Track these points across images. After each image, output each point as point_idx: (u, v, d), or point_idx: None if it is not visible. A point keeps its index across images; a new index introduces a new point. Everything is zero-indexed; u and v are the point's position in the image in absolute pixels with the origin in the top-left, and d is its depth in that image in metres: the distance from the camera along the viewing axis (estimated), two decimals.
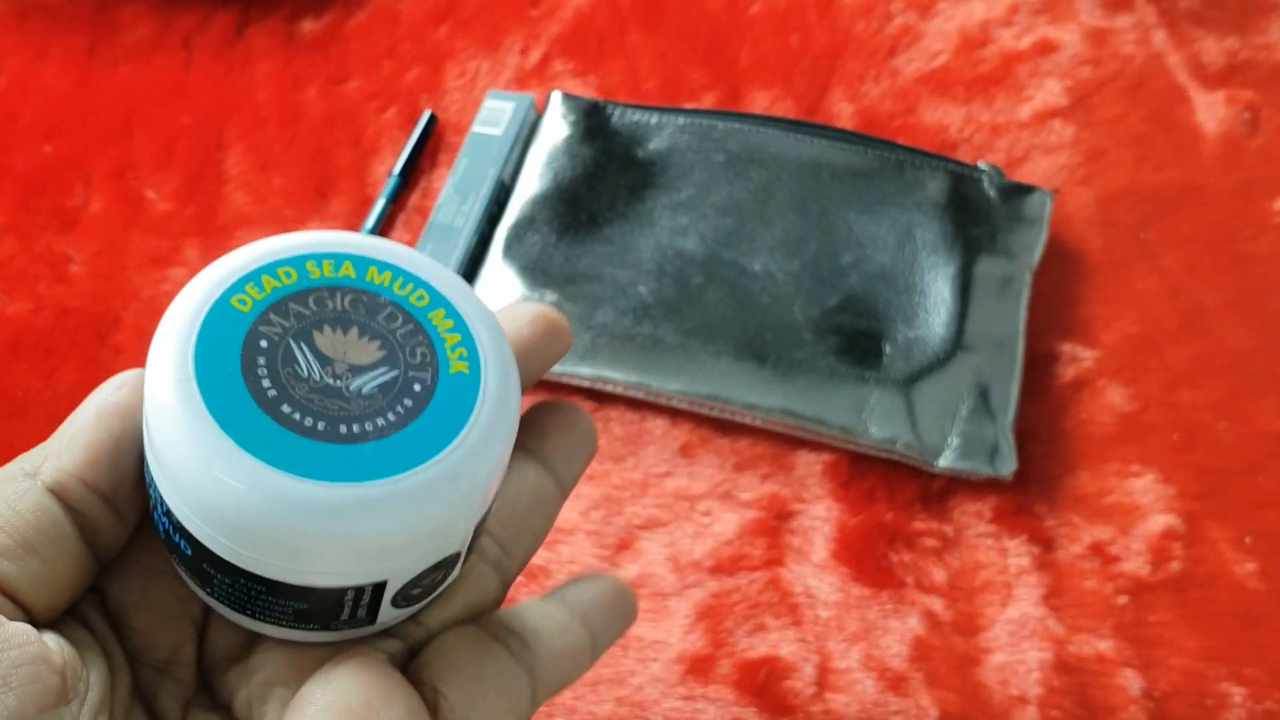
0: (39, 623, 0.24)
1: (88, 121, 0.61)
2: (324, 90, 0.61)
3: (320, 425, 0.22)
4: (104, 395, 0.26)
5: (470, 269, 0.54)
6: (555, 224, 0.54)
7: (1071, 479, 0.49)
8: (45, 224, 0.57)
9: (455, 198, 0.56)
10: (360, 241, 0.26)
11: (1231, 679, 0.44)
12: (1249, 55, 0.60)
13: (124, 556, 0.26)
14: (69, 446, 0.25)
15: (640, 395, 0.50)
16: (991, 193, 0.54)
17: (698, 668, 0.45)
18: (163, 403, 0.23)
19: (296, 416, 0.22)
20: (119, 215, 0.58)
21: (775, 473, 0.49)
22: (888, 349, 0.50)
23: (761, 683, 0.44)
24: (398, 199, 0.58)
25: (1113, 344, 0.52)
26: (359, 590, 0.24)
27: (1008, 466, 0.48)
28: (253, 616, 0.25)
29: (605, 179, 0.55)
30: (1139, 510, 0.48)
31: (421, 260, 0.26)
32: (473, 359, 0.24)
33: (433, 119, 0.59)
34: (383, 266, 0.25)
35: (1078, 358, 0.52)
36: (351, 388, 0.23)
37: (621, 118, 0.57)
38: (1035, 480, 0.49)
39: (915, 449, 0.48)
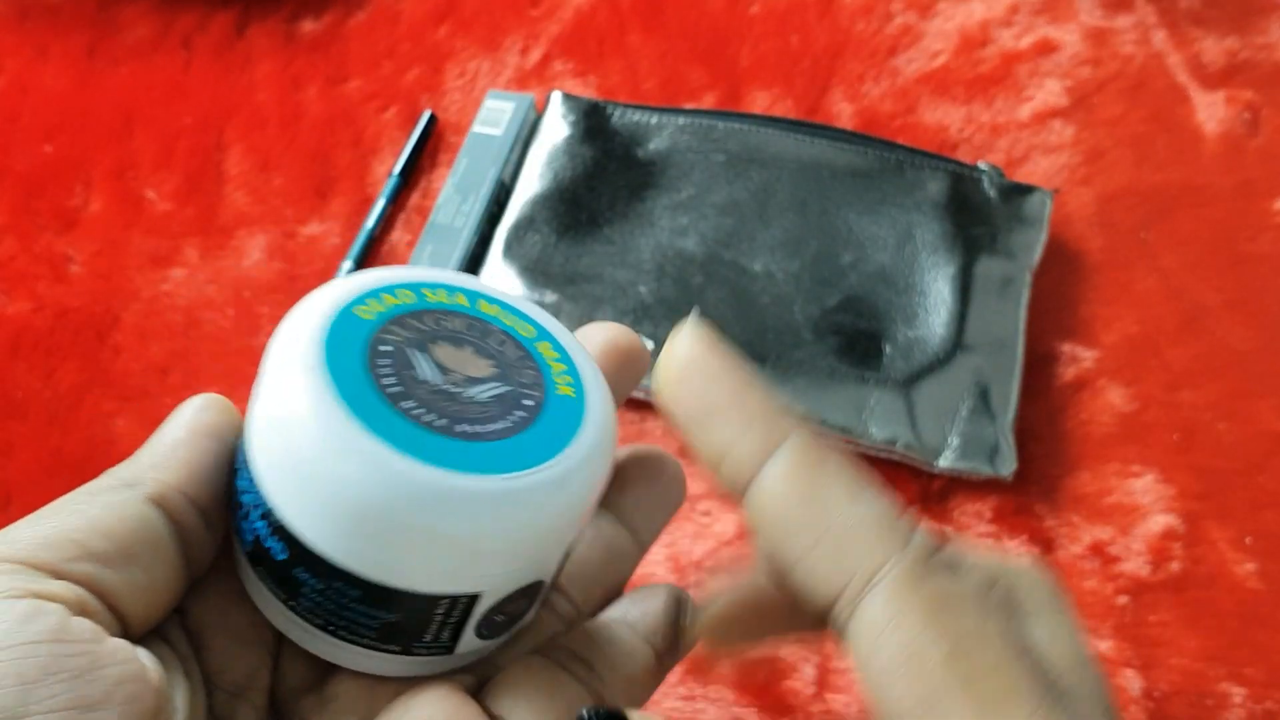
0: (133, 635, 0.23)
1: (88, 121, 0.61)
2: (324, 90, 0.61)
3: (441, 421, 0.23)
4: (193, 414, 0.26)
5: (470, 269, 0.54)
6: (555, 224, 0.54)
7: (1071, 479, 0.49)
8: (45, 224, 0.57)
9: (455, 198, 0.56)
10: (471, 279, 0.27)
11: (1231, 679, 0.44)
12: (1249, 55, 0.60)
13: (204, 578, 0.26)
14: (168, 460, 0.25)
15: (640, 395, 0.50)
16: (991, 193, 0.54)
17: (698, 668, 0.45)
18: (292, 388, 0.23)
19: (418, 411, 0.23)
20: (119, 215, 0.58)
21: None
22: (888, 349, 0.50)
23: (761, 683, 0.44)
24: (398, 199, 0.58)
25: (1113, 344, 0.52)
26: (452, 602, 0.23)
27: (1008, 467, 0.48)
28: (333, 634, 0.24)
29: (605, 179, 0.55)
30: (1139, 510, 0.48)
31: (525, 302, 0.27)
32: (576, 385, 0.25)
33: (433, 119, 0.59)
34: (492, 300, 0.27)
35: (1078, 358, 0.52)
36: (467, 394, 0.24)
37: (621, 118, 0.57)
38: (1035, 480, 0.49)
39: (915, 449, 0.48)
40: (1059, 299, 0.54)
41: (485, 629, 0.25)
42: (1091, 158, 0.58)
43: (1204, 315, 0.53)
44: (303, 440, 0.22)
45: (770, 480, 0.22)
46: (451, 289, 0.26)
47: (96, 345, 0.54)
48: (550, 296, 0.52)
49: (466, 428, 0.23)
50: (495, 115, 0.58)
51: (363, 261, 0.56)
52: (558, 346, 0.26)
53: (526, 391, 0.25)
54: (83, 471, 0.50)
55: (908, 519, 0.22)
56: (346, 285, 0.26)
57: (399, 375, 0.23)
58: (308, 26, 0.64)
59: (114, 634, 0.22)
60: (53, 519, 0.23)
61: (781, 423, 0.23)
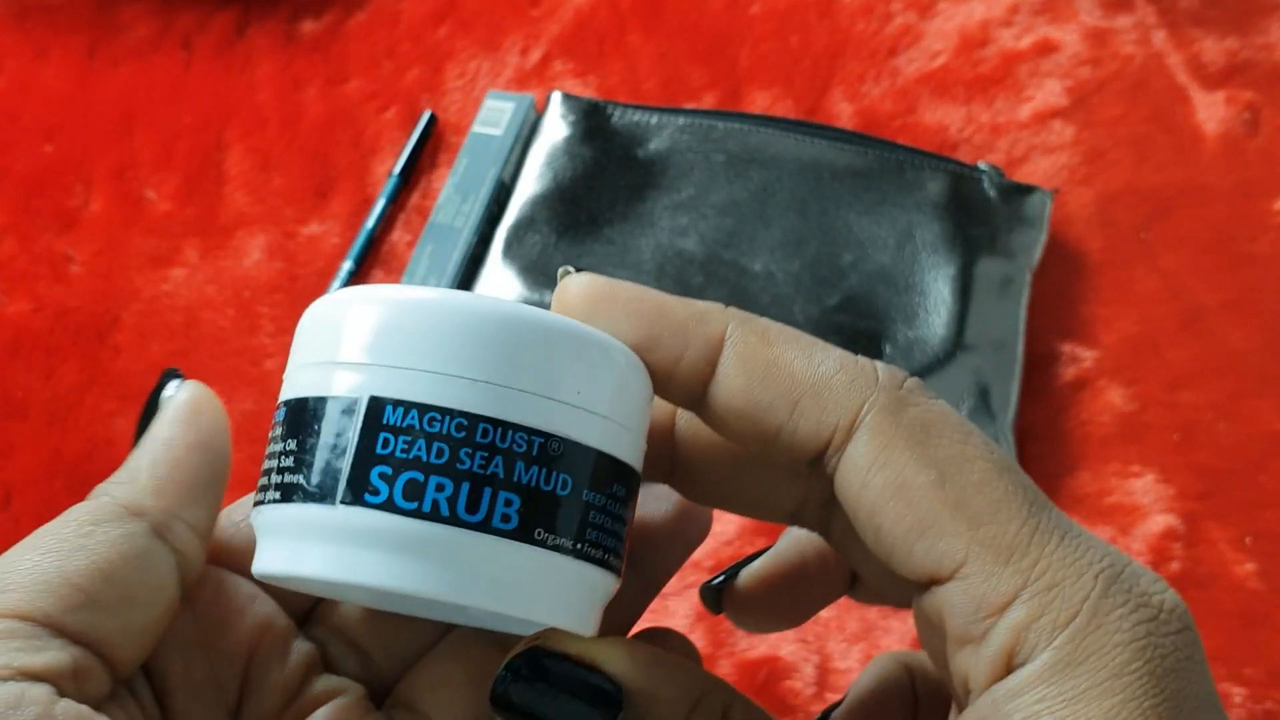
0: (120, 675, 0.22)
1: (88, 122, 0.61)
2: (324, 90, 0.61)
3: None
4: (189, 419, 0.25)
5: (470, 269, 0.54)
6: (555, 224, 0.54)
7: (1071, 479, 0.49)
8: (45, 224, 0.57)
9: (455, 198, 0.56)
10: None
11: (1231, 679, 0.44)
12: (1249, 55, 0.60)
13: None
14: (169, 482, 0.24)
15: None
16: (991, 193, 0.54)
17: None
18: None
19: None
20: (119, 215, 0.58)
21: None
22: (888, 349, 0.50)
23: (761, 683, 0.44)
24: (398, 199, 0.58)
25: (1113, 344, 0.52)
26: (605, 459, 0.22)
27: None
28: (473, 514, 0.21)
29: (605, 179, 0.55)
30: (1139, 510, 0.48)
31: None
32: None
33: (433, 119, 0.59)
34: None
35: (1078, 358, 0.52)
36: None
37: (621, 118, 0.57)
38: (1035, 480, 0.48)
39: None
40: (1059, 299, 0.54)
41: (594, 526, 0.22)
42: (1091, 158, 0.58)
43: (1204, 315, 0.53)
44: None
45: (729, 375, 0.23)
46: None
47: (96, 345, 0.54)
48: (550, 297, 0.52)
49: None
50: (495, 115, 0.58)
51: (363, 261, 0.56)
52: None
53: None
54: (83, 471, 0.50)
55: (866, 361, 0.23)
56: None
57: None
58: (308, 27, 0.64)
59: (102, 691, 0.21)
60: (54, 555, 0.22)
61: (713, 319, 0.23)
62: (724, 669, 0.45)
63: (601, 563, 0.22)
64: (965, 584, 0.21)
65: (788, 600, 0.28)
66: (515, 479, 0.21)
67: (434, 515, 0.20)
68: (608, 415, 0.22)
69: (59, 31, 0.64)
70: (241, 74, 0.62)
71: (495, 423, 0.21)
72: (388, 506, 0.20)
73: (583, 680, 0.22)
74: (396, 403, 0.21)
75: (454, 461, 0.21)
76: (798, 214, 0.54)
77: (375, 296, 0.22)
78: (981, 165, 0.55)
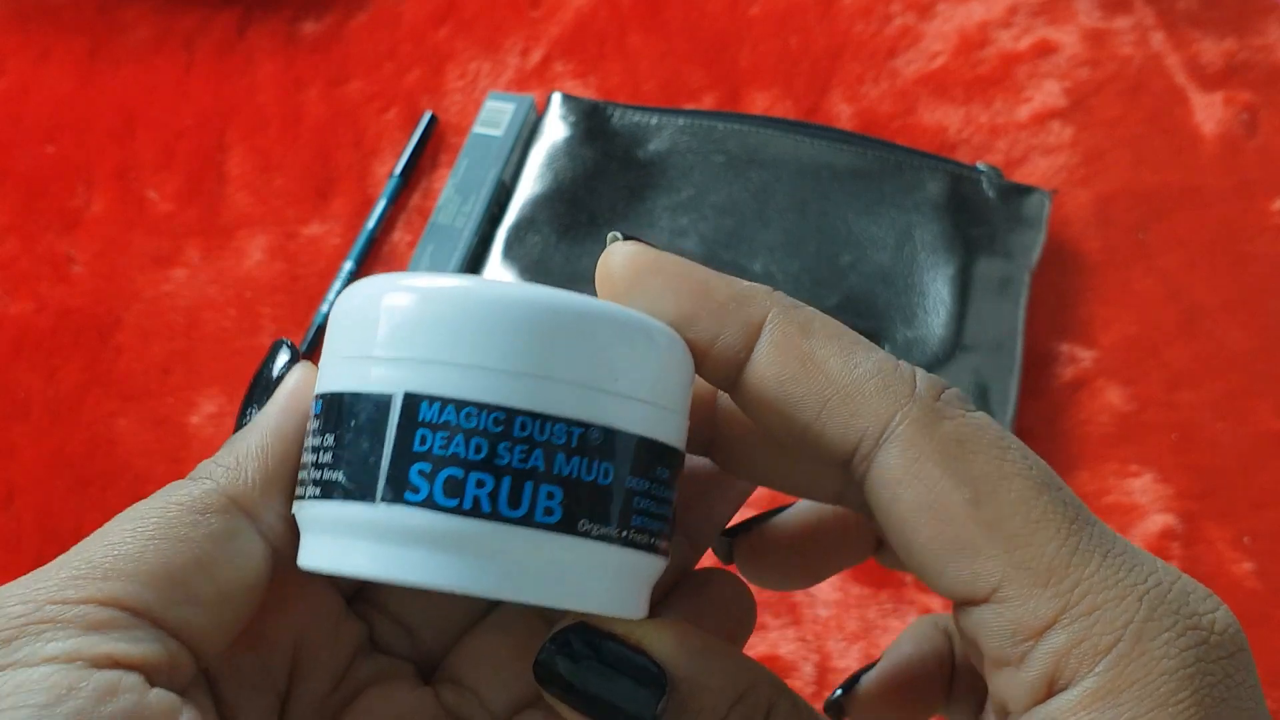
0: (203, 666, 0.22)
1: (89, 122, 0.61)
2: (325, 91, 0.62)
3: None
4: (295, 419, 0.24)
5: (471, 269, 0.54)
6: (555, 225, 0.54)
7: (1070, 479, 0.49)
8: (47, 224, 0.58)
9: (456, 198, 0.56)
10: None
11: None
12: (1247, 56, 0.60)
13: None
14: (278, 477, 0.23)
15: None
16: (990, 193, 0.54)
17: None
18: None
19: None
20: (121, 216, 0.58)
21: None
22: (887, 349, 0.50)
23: None
24: (398, 199, 0.58)
25: (1111, 344, 0.52)
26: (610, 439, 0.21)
27: None
28: (515, 509, 0.21)
29: (605, 180, 0.55)
30: (1137, 510, 0.48)
31: None
32: None
33: (433, 120, 0.60)
34: None
35: (1076, 358, 0.52)
36: None
37: (622, 119, 0.57)
38: None
39: None
40: (1058, 299, 0.54)
41: (639, 511, 0.22)
42: (1090, 158, 0.58)
43: (1202, 315, 0.53)
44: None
45: (762, 364, 0.22)
46: None
47: (98, 345, 0.54)
48: None
49: None
50: (496, 116, 0.58)
51: (363, 261, 0.56)
52: None
53: None
54: (84, 471, 0.50)
55: (906, 367, 0.22)
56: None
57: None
58: (309, 28, 0.64)
59: (188, 680, 0.21)
60: (158, 543, 0.21)
61: (755, 302, 0.22)
62: None
63: (648, 547, 0.22)
64: (1002, 608, 0.20)
65: (805, 559, 0.27)
66: (556, 471, 0.21)
67: (475, 511, 0.20)
68: (648, 399, 0.22)
69: (61, 33, 0.64)
70: (243, 75, 0.62)
71: (534, 415, 0.20)
72: (428, 504, 0.20)
73: (629, 660, 0.22)
74: (433, 399, 0.21)
75: (493, 456, 0.20)
76: (797, 214, 0.54)
77: (407, 285, 0.21)
78: (980, 166, 0.55)
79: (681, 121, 0.57)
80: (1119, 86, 0.60)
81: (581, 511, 0.21)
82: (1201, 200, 0.56)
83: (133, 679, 0.20)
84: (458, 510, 0.20)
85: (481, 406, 0.20)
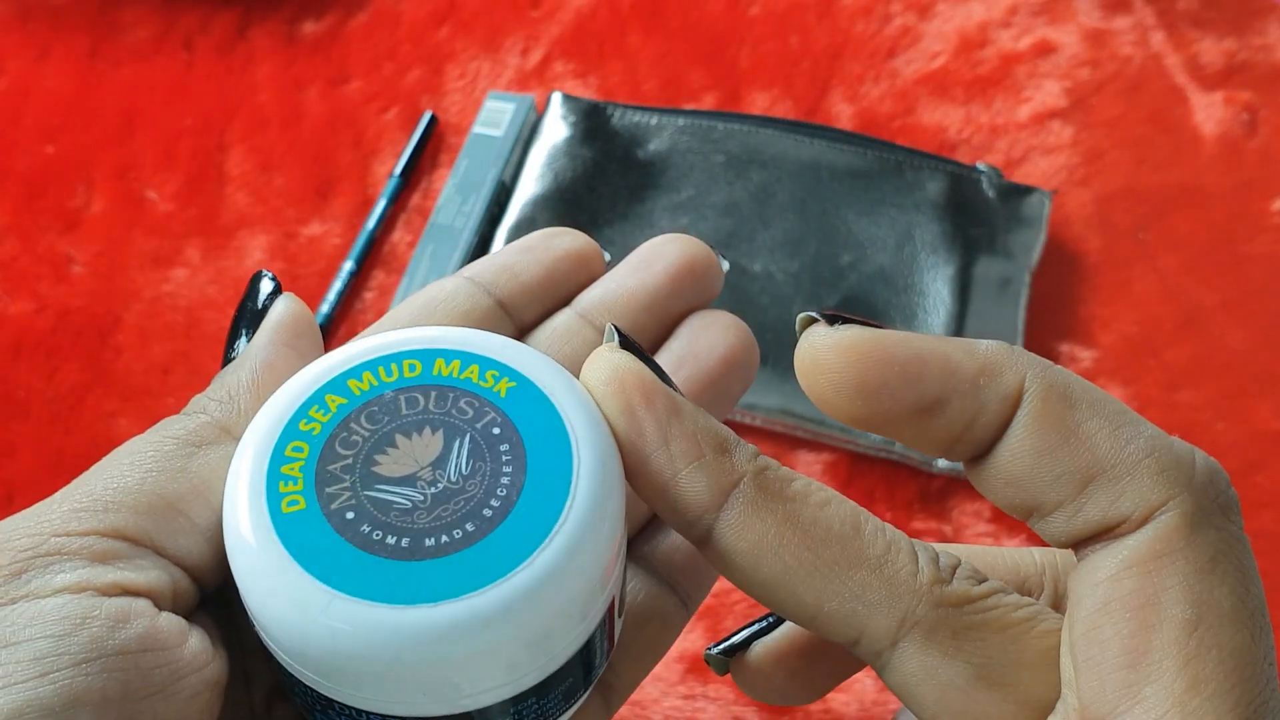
0: (205, 592, 0.22)
1: (89, 122, 0.61)
2: (325, 91, 0.62)
3: (401, 542, 0.21)
4: (282, 350, 0.24)
5: None
6: (556, 225, 0.54)
7: None
8: (47, 224, 0.58)
9: (456, 198, 0.56)
10: (431, 333, 0.24)
11: None
12: (1247, 56, 0.61)
13: None
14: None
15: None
16: (990, 193, 0.54)
17: (698, 667, 0.45)
18: (243, 545, 0.21)
19: (377, 536, 0.21)
20: (120, 216, 0.58)
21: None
22: None
23: None
24: (398, 199, 0.58)
25: (1111, 344, 0.53)
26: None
27: None
28: None
29: (605, 180, 0.55)
30: None
31: (493, 339, 0.24)
32: (563, 441, 0.22)
33: (433, 120, 0.60)
34: (453, 355, 0.23)
35: (1076, 358, 0.52)
36: (432, 492, 0.21)
37: (622, 119, 0.57)
38: None
39: (914, 449, 0.48)
40: (1057, 299, 0.54)
41: None
42: (1090, 158, 0.58)
43: (1202, 316, 0.53)
44: (250, 581, 0.21)
45: (1019, 439, 0.20)
46: (403, 356, 0.23)
47: (98, 345, 0.54)
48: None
49: (429, 540, 0.21)
50: (496, 116, 0.58)
51: (363, 262, 0.56)
52: (538, 395, 0.23)
53: (503, 470, 0.22)
54: (84, 471, 0.50)
55: (1183, 446, 0.20)
56: (292, 388, 0.23)
57: (354, 493, 0.21)
58: (309, 28, 0.64)
59: (192, 606, 0.22)
60: (156, 475, 0.22)
61: (1008, 369, 0.20)
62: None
63: None
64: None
65: (807, 676, 0.25)
66: None
67: None
68: (510, 680, 0.21)
69: (60, 32, 0.64)
70: (243, 75, 0.62)
71: (349, 706, 0.21)
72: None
73: None
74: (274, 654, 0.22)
75: (326, 712, 0.22)
76: (797, 214, 0.54)
77: (242, 561, 0.21)
78: (980, 166, 0.55)
79: (681, 121, 0.57)
80: (1119, 86, 0.60)
81: None
82: (1201, 200, 0.56)
83: (142, 604, 0.20)
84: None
85: (302, 682, 0.21)
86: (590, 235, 0.54)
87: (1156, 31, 0.62)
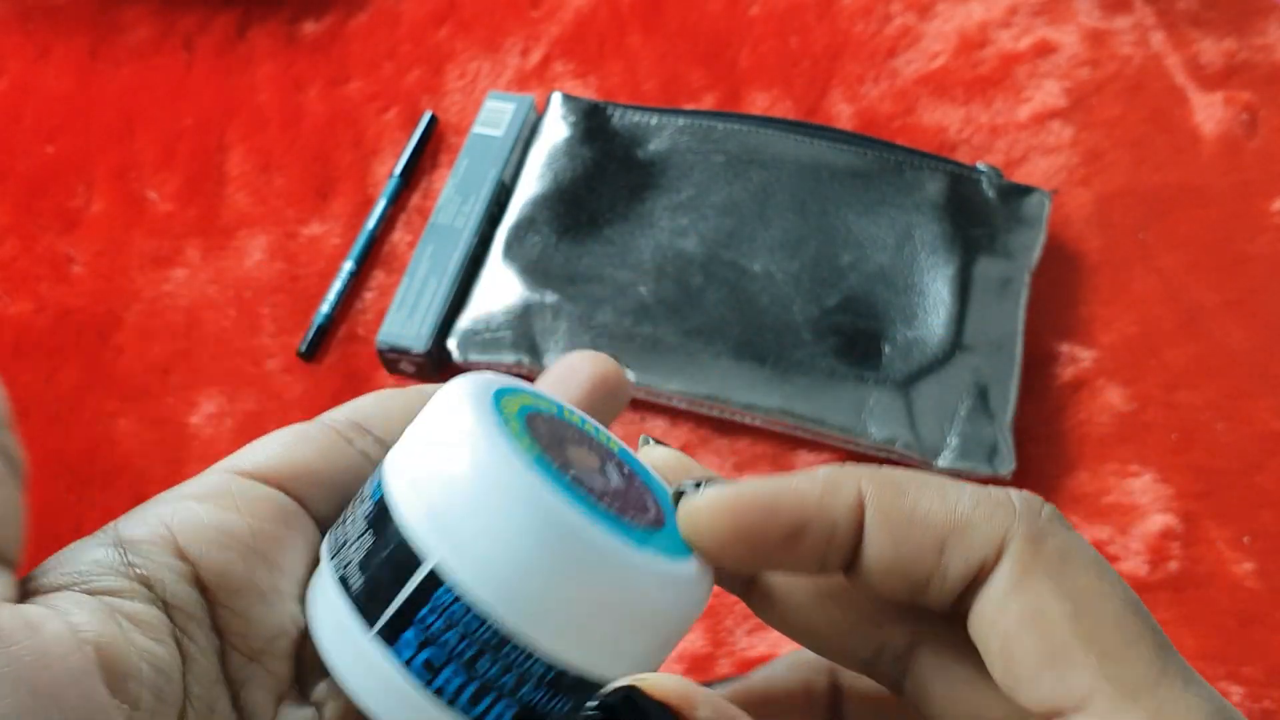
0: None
1: (89, 122, 0.61)
2: (325, 91, 0.62)
3: (615, 505, 0.23)
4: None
5: (470, 269, 0.54)
6: (555, 224, 0.54)
7: (1070, 479, 0.49)
8: (47, 224, 0.58)
9: (456, 198, 0.56)
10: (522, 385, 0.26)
11: (1229, 678, 0.44)
12: (1247, 56, 0.60)
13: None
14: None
15: (640, 395, 0.50)
16: (990, 194, 0.54)
17: (698, 667, 0.45)
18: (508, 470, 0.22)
19: (596, 497, 0.23)
20: (120, 216, 0.58)
21: (775, 472, 0.49)
22: (887, 349, 0.50)
23: None
24: (398, 199, 0.58)
25: (1111, 344, 0.52)
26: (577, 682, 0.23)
27: (1006, 466, 0.48)
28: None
29: (605, 180, 0.55)
30: (1137, 510, 0.48)
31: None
32: (662, 495, 0.25)
33: (433, 120, 0.60)
34: (571, 410, 0.26)
35: (1076, 358, 0.52)
36: (611, 484, 0.24)
37: (621, 119, 0.57)
38: (1034, 480, 0.49)
39: (914, 449, 0.48)
40: (1057, 299, 0.54)
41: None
42: (1090, 158, 0.58)
43: (1202, 315, 0.53)
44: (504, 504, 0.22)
45: (875, 536, 0.23)
46: (539, 396, 0.26)
47: (98, 345, 0.54)
48: (550, 297, 0.52)
49: (633, 513, 0.23)
50: (496, 116, 0.58)
51: (363, 262, 0.56)
52: (632, 458, 0.26)
53: (643, 491, 0.24)
54: (84, 471, 0.50)
55: (999, 491, 0.23)
56: (479, 380, 0.24)
57: (564, 462, 0.23)
58: (309, 28, 0.64)
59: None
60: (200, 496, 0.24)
61: (845, 485, 0.23)
62: (724, 668, 0.45)
63: (408, 667, 0.23)
64: (1088, 718, 0.21)
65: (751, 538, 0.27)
66: (520, 695, 0.22)
67: (439, 693, 0.22)
68: (630, 652, 0.23)
69: (61, 33, 0.64)
70: (243, 75, 0.62)
71: (524, 651, 0.22)
72: (406, 665, 0.22)
73: None
74: (452, 587, 0.22)
75: (475, 661, 0.22)
76: (797, 214, 0.54)
77: (508, 481, 0.22)
78: (980, 166, 0.55)
79: (681, 121, 0.57)
80: (1119, 86, 0.60)
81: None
82: (1201, 200, 0.56)
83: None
84: (425, 685, 0.22)
85: (484, 620, 0.22)
86: (590, 235, 0.54)
87: (1156, 31, 0.61)
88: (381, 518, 0.23)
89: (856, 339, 0.51)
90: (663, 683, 0.22)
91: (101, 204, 0.58)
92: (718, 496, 0.23)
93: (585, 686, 0.23)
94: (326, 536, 0.25)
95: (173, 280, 0.56)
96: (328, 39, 0.63)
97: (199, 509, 0.25)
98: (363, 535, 0.23)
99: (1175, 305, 0.53)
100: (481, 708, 0.22)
